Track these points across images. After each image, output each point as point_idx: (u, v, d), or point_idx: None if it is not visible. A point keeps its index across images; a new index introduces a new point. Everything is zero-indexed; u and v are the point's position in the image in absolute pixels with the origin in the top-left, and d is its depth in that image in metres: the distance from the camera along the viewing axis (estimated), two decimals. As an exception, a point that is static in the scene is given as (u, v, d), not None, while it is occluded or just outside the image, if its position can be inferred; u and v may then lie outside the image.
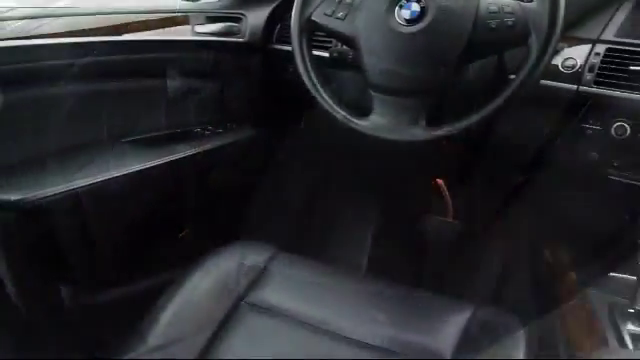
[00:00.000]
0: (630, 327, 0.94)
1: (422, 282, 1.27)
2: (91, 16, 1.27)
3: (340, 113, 1.00)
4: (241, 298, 1.03)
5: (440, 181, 1.67)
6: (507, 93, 0.91)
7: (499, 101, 0.91)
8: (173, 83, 1.29)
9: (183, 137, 1.32)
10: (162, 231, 1.35)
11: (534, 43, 0.91)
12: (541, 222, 1.44)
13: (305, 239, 1.70)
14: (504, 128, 1.14)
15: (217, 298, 1.02)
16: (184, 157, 1.28)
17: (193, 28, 1.37)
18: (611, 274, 1.12)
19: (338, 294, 1.06)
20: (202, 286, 1.04)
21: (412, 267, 1.60)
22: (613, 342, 0.93)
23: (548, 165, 1.17)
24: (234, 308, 1.01)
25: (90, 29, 1.23)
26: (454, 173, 1.66)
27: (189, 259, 1.09)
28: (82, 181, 1.12)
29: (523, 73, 0.90)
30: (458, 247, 1.65)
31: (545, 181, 1.26)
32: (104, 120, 1.21)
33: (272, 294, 1.04)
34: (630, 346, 0.90)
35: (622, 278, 1.06)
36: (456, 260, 1.64)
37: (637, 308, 0.95)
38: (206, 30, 1.38)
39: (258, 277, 1.07)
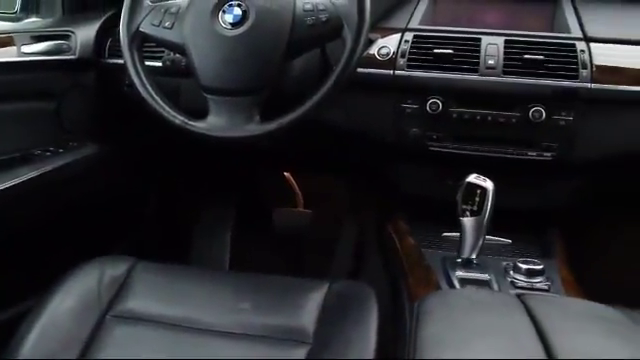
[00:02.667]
0: (458, 273, 1.07)
1: (282, 270, 1.33)
2: None
3: (178, 118, 1.04)
4: (105, 312, 1.03)
5: (287, 174, 1.76)
6: (329, 83, 0.99)
7: (323, 91, 0.99)
8: (4, 107, 1.25)
9: (23, 161, 1.29)
10: (16, 257, 1.30)
11: (348, 35, 1.00)
12: (382, 198, 1.56)
13: (166, 247, 1.70)
14: (337, 116, 1.24)
15: (80, 316, 1.01)
16: (27, 180, 1.25)
17: (19, 49, 1.33)
18: (443, 234, 1.26)
19: (201, 292, 1.08)
20: (63, 307, 1.03)
21: (271, 258, 1.66)
22: (445, 287, 1.06)
23: (381, 145, 1.29)
24: (99, 323, 1.01)
25: None
26: (302, 164, 1.75)
27: (48, 282, 1.07)
28: None
29: (341, 63, 0.99)
30: (312, 233, 1.75)
31: (381, 159, 1.37)
32: None
33: (136, 303, 1.04)
34: (458, 287, 1.04)
35: (450, 235, 1.19)
36: (311, 245, 1.73)
37: (463, 257, 1.09)
38: (33, 50, 1.34)
39: (120, 289, 1.07)
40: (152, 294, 1.07)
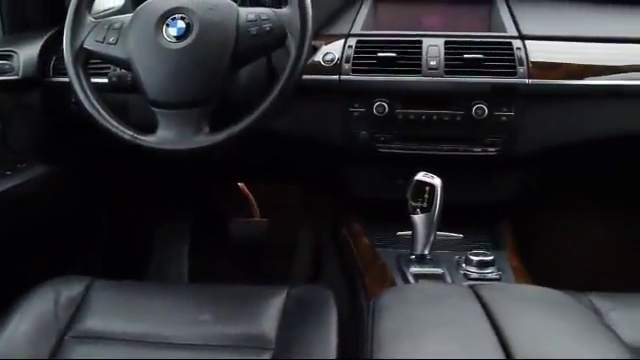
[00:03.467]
0: (412, 269, 1.10)
1: (241, 279, 1.34)
2: None
3: (127, 133, 1.04)
4: (64, 333, 1.01)
5: (241, 184, 1.77)
6: (275, 92, 1.01)
7: (270, 100, 1.01)
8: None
9: None
10: None
11: (292, 44, 1.01)
12: (335, 202, 1.59)
13: (123, 264, 1.69)
14: (286, 123, 1.25)
15: (38, 339, 1.00)
16: None
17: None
18: (397, 233, 1.29)
19: (161, 306, 1.08)
20: (19, 331, 1.01)
21: (230, 268, 1.67)
22: (400, 283, 1.08)
23: (331, 149, 1.31)
24: (58, 345, 1.00)
25: None
26: (255, 174, 1.76)
27: (1, 307, 1.06)
28: None
29: (287, 72, 1.01)
30: (269, 242, 1.76)
31: (332, 163, 1.40)
32: None
33: (95, 322, 1.03)
34: (412, 282, 1.06)
35: (404, 234, 1.22)
36: (270, 253, 1.74)
37: (416, 254, 1.11)
38: (-28, 72, 1.33)
39: (78, 309, 1.06)
40: (111, 312, 1.06)
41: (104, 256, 1.70)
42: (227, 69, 1.02)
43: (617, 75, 1.21)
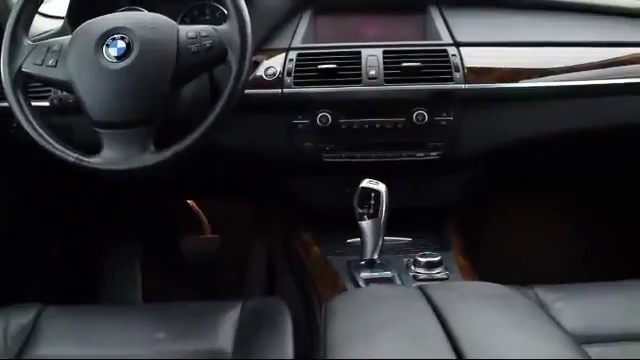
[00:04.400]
0: (363, 274, 1.13)
1: (196, 297, 1.34)
2: None
3: (72, 155, 1.03)
4: None
5: (191, 202, 1.76)
6: (218, 108, 1.02)
7: (213, 116, 1.02)
8: None
9: None
10: None
11: (233, 60, 1.03)
12: (286, 214, 1.60)
13: (74, 288, 1.66)
14: (232, 138, 1.26)
15: None
16: None
17: None
18: (347, 240, 1.31)
19: (115, 328, 1.07)
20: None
21: (184, 286, 1.66)
22: (351, 287, 1.10)
23: (278, 162, 1.32)
24: None
25: None
26: (204, 190, 1.76)
27: None
28: None
29: (229, 87, 1.02)
30: (222, 258, 1.76)
31: (280, 176, 1.41)
32: None
33: (48, 349, 1.02)
34: (363, 287, 1.09)
35: (354, 241, 1.24)
36: (223, 270, 1.74)
37: (366, 259, 1.14)
38: None
39: (29, 337, 1.04)
40: (64, 338, 1.05)
41: (55, 281, 1.67)
42: (169, 87, 1.03)
43: (548, 77, 1.27)
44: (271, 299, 1.11)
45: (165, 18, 1.07)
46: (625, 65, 1.30)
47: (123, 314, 1.13)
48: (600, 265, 1.56)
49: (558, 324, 0.87)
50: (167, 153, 1.02)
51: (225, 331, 1.03)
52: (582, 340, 0.88)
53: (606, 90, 1.28)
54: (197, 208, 1.78)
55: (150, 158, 1.02)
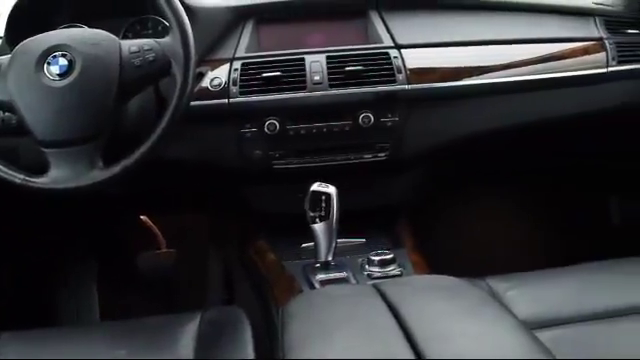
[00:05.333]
0: (318, 276, 1.14)
1: (156, 313, 1.33)
2: None
3: (18, 177, 1.02)
4: None
5: (144, 217, 1.75)
6: (164, 121, 1.02)
7: (160, 129, 1.02)
8: None
9: None
10: None
11: (177, 72, 1.03)
12: (240, 223, 1.60)
13: (30, 312, 1.63)
14: (181, 151, 1.26)
15: None
16: None
17: None
18: (302, 245, 1.32)
19: (74, 349, 1.04)
20: None
21: (142, 303, 1.64)
22: (307, 289, 1.12)
23: (229, 172, 1.33)
24: None
25: None
26: (157, 205, 1.75)
27: None
28: None
29: (174, 100, 1.03)
30: (180, 272, 1.75)
31: (232, 186, 1.42)
32: None
33: (4, 376, 1.01)
34: (318, 288, 1.10)
35: (309, 245, 1.25)
36: (182, 283, 1.73)
37: (320, 261, 1.15)
38: None
39: None
40: None
41: (9, 307, 1.63)
42: (114, 102, 1.02)
43: (487, 74, 1.31)
44: (229, 308, 1.11)
45: (107, 33, 1.07)
46: (558, 60, 1.35)
47: (82, 335, 1.12)
48: (548, 252, 1.61)
49: (510, 311, 0.90)
50: (116, 169, 1.02)
51: (185, 343, 1.02)
52: (534, 326, 0.92)
53: (541, 84, 1.33)
54: (150, 223, 1.77)
55: (99, 175, 1.01)
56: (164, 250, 1.78)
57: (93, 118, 1.02)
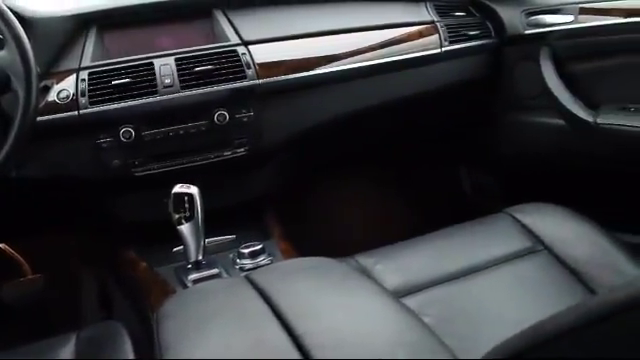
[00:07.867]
0: (191, 276, 1.15)
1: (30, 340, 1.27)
2: None
3: None
4: None
5: (2, 245, 1.65)
6: (11, 139, 0.99)
7: (7, 147, 0.98)
8: None
9: None
10: None
11: (18, 87, 1.00)
12: (109, 236, 1.56)
13: None
14: (35, 169, 1.22)
15: None
16: None
17: None
18: (173, 249, 1.32)
19: None
20: None
21: (14, 334, 1.56)
22: (180, 289, 1.12)
23: (89, 184, 1.29)
24: None
25: None
26: (16, 230, 1.66)
27: None
28: None
29: (18, 117, 0.99)
30: (51, 296, 1.68)
31: (93, 198, 1.38)
32: None
33: None
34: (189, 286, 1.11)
35: (179, 248, 1.25)
36: (55, 308, 1.66)
37: (191, 262, 1.16)
38: None
39: None
40: None
41: None
42: None
43: (336, 62, 1.38)
44: (106, 323, 1.09)
45: None
46: (398, 44, 1.45)
47: None
48: (410, 224, 1.71)
49: (377, 283, 0.96)
50: None
51: None
52: (401, 294, 0.98)
53: (386, 68, 1.42)
54: (11, 251, 1.67)
55: None
56: (29, 277, 1.69)
57: None
